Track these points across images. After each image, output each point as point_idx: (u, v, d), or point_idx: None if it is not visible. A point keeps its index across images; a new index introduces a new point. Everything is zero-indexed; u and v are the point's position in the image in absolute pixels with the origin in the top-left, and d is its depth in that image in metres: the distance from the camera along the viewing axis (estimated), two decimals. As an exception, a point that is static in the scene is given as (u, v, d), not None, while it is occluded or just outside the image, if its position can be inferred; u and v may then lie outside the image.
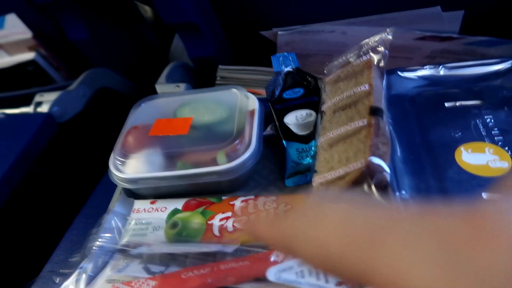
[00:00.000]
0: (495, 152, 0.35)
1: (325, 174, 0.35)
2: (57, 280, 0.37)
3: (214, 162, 0.41)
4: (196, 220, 0.40)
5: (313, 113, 0.45)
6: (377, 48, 0.41)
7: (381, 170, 0.31)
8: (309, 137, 0.44)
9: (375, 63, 0.40)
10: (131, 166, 0.43)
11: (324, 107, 0.42)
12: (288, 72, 0.47)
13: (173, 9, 0.59)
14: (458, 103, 0.41)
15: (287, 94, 0.46)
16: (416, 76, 0.45)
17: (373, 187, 0.31)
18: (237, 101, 0.47)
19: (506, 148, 0.35)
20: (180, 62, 0.72)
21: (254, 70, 0.63)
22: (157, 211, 0.42)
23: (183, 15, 0.59)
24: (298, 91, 0.46)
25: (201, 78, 0.72)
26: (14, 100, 0.79)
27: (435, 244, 0.11)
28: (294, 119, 0.45)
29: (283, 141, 0.44)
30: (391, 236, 0.12)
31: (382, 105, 0.37)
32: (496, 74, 0.43)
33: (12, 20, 0.77)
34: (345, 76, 0.42)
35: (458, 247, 0.11)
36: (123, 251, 0.38)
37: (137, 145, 0.44)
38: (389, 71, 0.45)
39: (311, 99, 0.46)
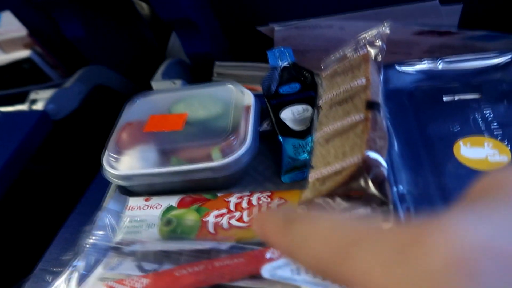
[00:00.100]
0: (494, 146, 0.35)
1: (321, 170, 0.34)
2: (49, 279, 0.36)
3: (209, 158, 0.40)
4: (190, 217, 0.39)
5: (310, 108, 0.45)
6: (374, 42, 0.41)
7: (378, 164, 0.31)
8: (306, 133, 0.43)
9: (372, 57, 0.40)
10: (124, 163, 0.42)
11: (320, 102, 0.41)
12: (285, 67, 0.46)
13: (169, 4, 0.59)
14: (456, 97, 0.40)
15: (283, 89, 0.45)
16: (414, 70, 0.45)
17: (369, 182, 0.30)
18: (232, 97, 0.46)
19: (506, 142, 0.35)
20: (177, 59, 0.71)
21: (251, 66, 0.63)
22: (152, 208, 0.41)
23: (179, 10, 0.59)
24: (295, 86, 0.46)
25: (197, 74, 0.72)
26: (10, 98, 0.79)
27: (390, 252, 0.13)
28: (290, 115, 0.45)
29: (279, 136, 0.44)
30: (363, 249, 0.14)
31: (379, 99, 0.36)
32: (495, 67, 0.43)
33: (7, 18, 0.77)
34: (342, 70, 0.42)
35: (405, 253, 0.13)
36: (117, 249, 0.38)
37: (130, 142, 0.44)
38: (387, 65, 0.44)
39: (308, 94, 0.45)
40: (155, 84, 0.62)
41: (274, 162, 0.45)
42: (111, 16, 0.82)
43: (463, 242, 0.12)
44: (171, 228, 0.39)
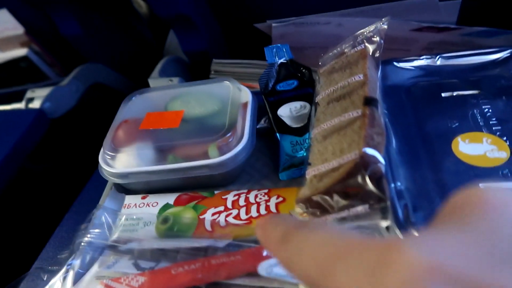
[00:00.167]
0: (493, 142, 0.34)
1: (319, 166, 0.34)
2: (45, 277, 0.36)
3: (205, 156, 0.40)
4: (187, 215, 0.39)
5: (307, 105, 0.45)
6: (372, 38, 0.40)
7: (376, 161, 0.30)
8: (303, 130, 0.43)
9: (370, 53, 0.40)
10: (121, 161, 0.42)
11: (318, 98, 0.41)
12: (282, 63, 0.46)
13: (166, 1, 0.58)
14: (455, 93, 0.40)
15: (281, 86, 0.45)
16: (412, 66, 0.44)
17: (367, 179, 0.30)
18: (229, 94, 0.46)
19: (504, 138, 0.34)
20: (174, 56, 0.71)
21: (249, 63, 0.62)
22: (148, 206, 0.41)
23: (176, 7, 0.58)
24: (292, 83, 0.45)
25: (195, 72, 0.71)
26: (6, 97, 0.78)
27: (363, 272, 0.15)
28: (288, 112, 0.44)
29: (277, 134, 0.43)
30: (342, 266, 0.16)
31: (377, 95, 0.36)
32: (494, 63, 0.42)
33: (4, 16, 0.76)
34: (340, 66, 0.41)
35: (374, 275, 0.14)
36: (113, 247, 0.38)
37: (127, 139, 0.43)
38: (385, 62, 0.44)
39: (305, 91, 0.45)
40: (152, 82, 0.61)
41: (271, 159, 0.45)
42: (108, 13, 0.82)
43: (418, 264, 0.13)
44: (168, 226, 0.38)
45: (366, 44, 0.40)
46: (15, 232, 0.64)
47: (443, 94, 0.41)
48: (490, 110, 0.37)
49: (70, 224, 0.46)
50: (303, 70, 0.46)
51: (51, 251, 0.44)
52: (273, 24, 0.60)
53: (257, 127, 0.46)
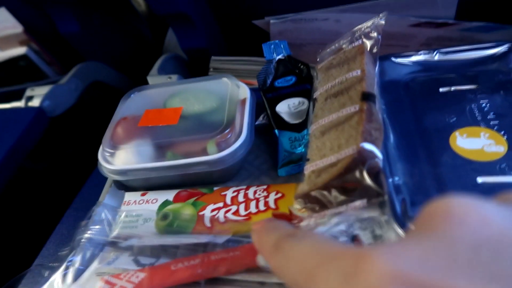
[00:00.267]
0: (491, 137, 0.34)
1: (317, 162, 0.34)
2: (45, 274, 0.36)
3: (204, 152, 0.40)
4: (187, 211, 0.39)
5: (306, 101, 0.45)
6: (370, 33, 0.41)
7: (373, 156, 0.30)
8: (302, 126, 0.43)
9: (368, 48, 0.40)
10: (120, 158, 0.42)
11: (316, 94, 0.41)
12: (280, 60, 0.46)
13: (164, -1, 0.58)
14: (453, 88, 0.40)
15: (279, 83, 0.45)
16: (410, 61, 0.44)
17: (365, 174, 0.30)
18: (227, 90, 0.46)
19: (502, 132, 0.34)
20: (173, 54, 0.71)
21: (248, 60, 0.62)
22: (148, 203, 0.41)
23: (174, 5, 0.59)
24: (290, 79, 0.45)
25: (194, 69, 0.71)
26: (6, 95, 0.79)
27: (339, 280, 0.17)
28: (286, 108, 0.44)
29: (275, 130, 0.43)
30: (322, 274, 0.18)
31: (375, 90, 0.36)
32: (492, 58, 0.42)
33: (3, 15, 0.76)
34: (338, 62, 0.41)
35: (348, 283, 0.16)
36: (113, 244, 0.38)
37: (126, 136, 0.43)
38: (383, 57, 0.44)
39: (303, 87, 0.45)
40: (151, 79, 0.62)
41: (270, 155, 0.45)
42: (106, 12, 0.82)
43: (384, 272, 0.15)
44: (168, 223, 0.38)
45: (364, 39, 0.40)
46: (16, 230, 0.64)
47: (441, 89, 0.41)
48: (488, 105, 0.37)
49: (70, 221, 0.47)
50: (301, 66, 0.46)
51: (51, 248, 0.44)
52: (271, 21, 0.60)
53: (256, 123, 0.46)
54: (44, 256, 0.43)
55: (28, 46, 0.81)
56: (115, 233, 0.39)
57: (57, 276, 0.35)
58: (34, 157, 0.63)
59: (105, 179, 0.46)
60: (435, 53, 0.44)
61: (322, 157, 0.34)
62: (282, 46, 0.47)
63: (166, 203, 0.40)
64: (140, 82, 0.63)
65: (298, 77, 0.45)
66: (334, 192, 0.31)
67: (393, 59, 0.45)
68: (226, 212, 0.38)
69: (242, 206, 0.38)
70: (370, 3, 0.55)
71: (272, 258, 0.22)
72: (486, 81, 0.40)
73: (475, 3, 0.56)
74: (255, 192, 0.39)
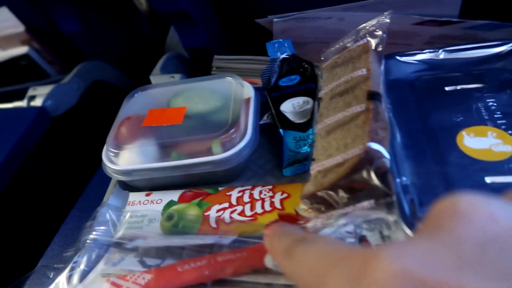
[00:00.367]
0: (498, 136, 0.34)
1: (323, 162, 0.34)
2: (51, 275, 0.36)
3: (209, 152, 0.40)
4: (192, 211, 0.39)
5: (310, 100, 0.44)
6: (375, 32, 0.40)
7: (381, 156, 0.30)
8: (307, 125, 0.43)
9: (373, 47, 0.39)
10: (124, 158, 0.42)
11: (321, 94, 0.41)
12: (284, 59, 0.46)
13: (166, -2, 0.58)
14: (459, 87, 0.40)
15: (283, 82, 0.45)
16: (415, 60, 0.44)
17: (372, 174, 0.30)
18: (231, 90, 0.46)
19: (510, 131, 0.34)
20: (175, 53, 0.71)
21: (251, 59, 0.62)
22: (153, 203, 0.41)
23: (176, 3, 0.58)
24: (294, 78, 0.45)
25: (196, 69, 0.71)
26: (8, 95, 0.78)
27: (348, 282, 0.17)
28: (290, 107, 0.44)
29: (280, 129, 0.43)
30: (332, 277, 0.18)
31: (381, 89, 0.36)
32: (497, 56, 0.42)
33: (4, 14, 0.76)
34: (342, 61, 0.41)
35: (357, 284, 0.16)
36: (118, 245, 0.38)
37: (130, 136, 0.43)
38: (388, 56, 0.44)
39: (308, 86, 0.45)
40: (154, 78, 0.61)
41: (275, 155, 0.45)
42: (108, 11, 0.82)
43: (391, 272, 0.15)
44: (173, 223, 0.38)
45: (369, 38, 0.40)
46: (20, 231, 0.64)
47: (446, 88, 0.40)
48: (495, 104, 0.37)
49: (75, 222, 0.46)
50: (305, 65, 0.46)
51: (56, 249, 0.44)
52: (274, 20, 0.59)
53: (260, 123, 0.46)
54: (48, 257, 0.43)
55: (29, 45, 0.81)
56: (120, 234, 0.38)
57: (62, 278, 0.35)
58: (36, 156, 0.63)
59: (109, 179, 0.46)
60: (440, 51, 0.44)
61: (328, 157, 0.34)
62: (286, 45, 0.47)
63: (171, 203, 0.40)
64: (142, 81, 0.63)
65: (303, 76, 0.45)
66: (341, 193, 0.31)
67: (398, 57, 0.44)
68: (232, 212, 0.38)
69: (247, 207, 0.38)
70: (373, 2, 0.54)
71: (285, 263, 0.23)
72: (492, 79, 0.40)
73: (479, 1, 0.56)
74: (260, 192, 0.38)
